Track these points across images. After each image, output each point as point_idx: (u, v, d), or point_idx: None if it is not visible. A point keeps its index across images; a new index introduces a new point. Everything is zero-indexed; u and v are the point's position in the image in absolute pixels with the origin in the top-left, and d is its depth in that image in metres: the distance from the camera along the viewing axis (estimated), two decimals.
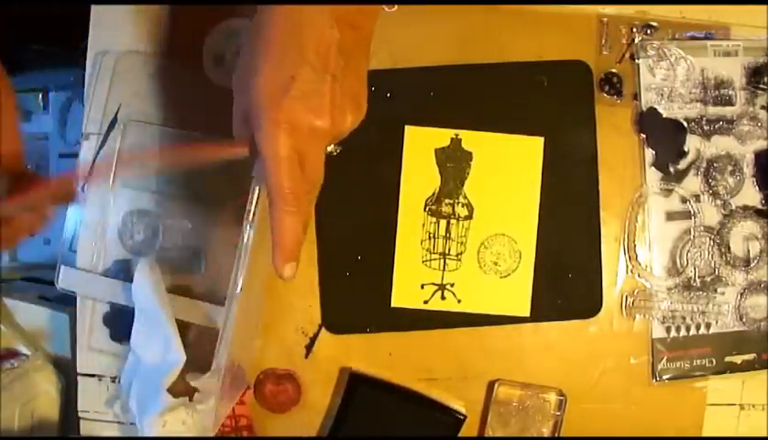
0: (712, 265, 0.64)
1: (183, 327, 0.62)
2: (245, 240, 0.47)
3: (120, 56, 0.63)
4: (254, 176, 0.46)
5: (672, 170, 0.63)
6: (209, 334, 0.60)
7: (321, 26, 0.43)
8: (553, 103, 0.63)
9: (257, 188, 0.46)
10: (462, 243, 0.63)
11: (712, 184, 0.63)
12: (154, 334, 0.60)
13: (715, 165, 0.63)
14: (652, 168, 0.63)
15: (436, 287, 0.63)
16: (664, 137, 0.63)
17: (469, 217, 0.63)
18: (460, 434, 0.63)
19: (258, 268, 0.60)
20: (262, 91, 0.43)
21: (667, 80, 0.63)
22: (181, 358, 0.60)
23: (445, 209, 0.63)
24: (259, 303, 0.62)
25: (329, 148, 0.48)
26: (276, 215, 0.44)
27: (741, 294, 0.64)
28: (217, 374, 0.50)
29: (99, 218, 0.63)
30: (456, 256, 0.63)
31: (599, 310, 0.63)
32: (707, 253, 0.64)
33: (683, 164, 0.63)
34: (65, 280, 0.63)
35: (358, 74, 0.46)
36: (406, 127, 0.63)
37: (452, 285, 0.63)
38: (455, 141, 0.63)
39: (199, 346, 0.61)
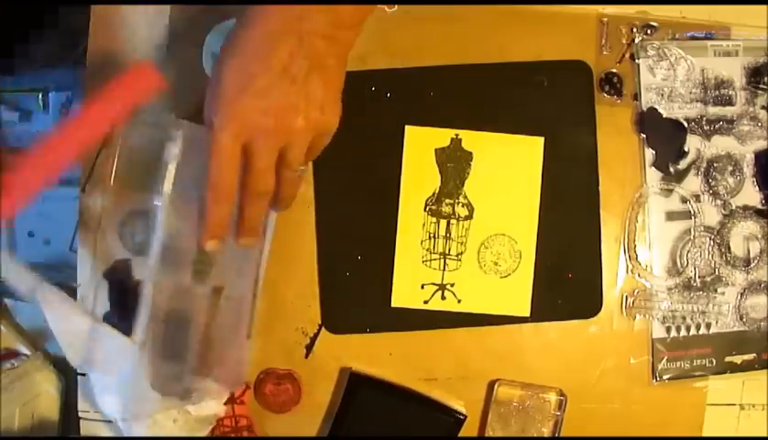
0: (712, 265, 0.64)
1: (171, 324, 0.60)
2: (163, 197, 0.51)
3: (120, 55, 0.63)
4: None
5: (672, 170, 0.63)
6: (197, 330, 0.60)
7: (290, 35, 0.46)
8: (553, 103, 0.63)
9: (170, 165, 0.51)
10: (462, 243, 0.63)
11: (712, 184, 0.63)
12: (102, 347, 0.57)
13: (715, 165, 0.63)
14: (653, 168, 0.63)
15: (436, 287, 0.63)
16: (664, 137, 0.63)
17: (469, 217, 0.63)
18: (460, 434, 0.63)
19: (249, 266, 0.60)
20: (223, 85, 0.46)
21: (667, 80, 0.63)
22: (135, 346, 0.55)
23: (446, 209, 0.63)
24: (248, 301, 0.62)
25: (301, 168, 0.51)
26: (206, 201, 0.49)
27: (741, 294, 0.64)
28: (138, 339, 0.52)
29: (99, 218, 0.63)
30: (457, 256, 0.63)
31: (599, 310, 0.63)
32: (707, 253, 0.64)
33: (683, 164, 0.63)
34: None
35: (326, 80, 0.48)
36: (406, 127, 0.63)
37: (452, 285, 0.63)
38: (455, 141, 0.63)
39: (185, 343, 0.60)
